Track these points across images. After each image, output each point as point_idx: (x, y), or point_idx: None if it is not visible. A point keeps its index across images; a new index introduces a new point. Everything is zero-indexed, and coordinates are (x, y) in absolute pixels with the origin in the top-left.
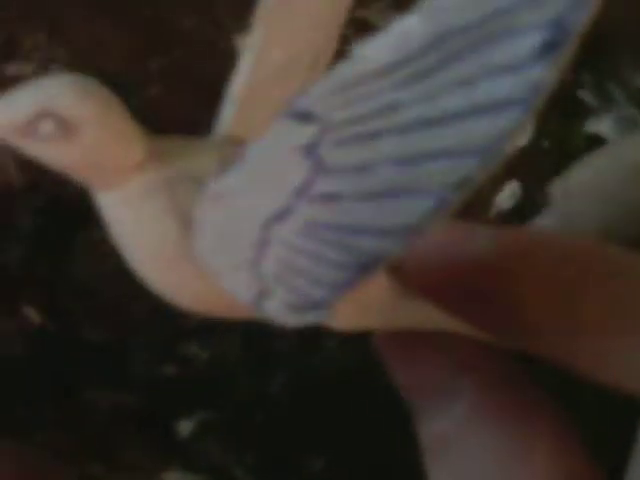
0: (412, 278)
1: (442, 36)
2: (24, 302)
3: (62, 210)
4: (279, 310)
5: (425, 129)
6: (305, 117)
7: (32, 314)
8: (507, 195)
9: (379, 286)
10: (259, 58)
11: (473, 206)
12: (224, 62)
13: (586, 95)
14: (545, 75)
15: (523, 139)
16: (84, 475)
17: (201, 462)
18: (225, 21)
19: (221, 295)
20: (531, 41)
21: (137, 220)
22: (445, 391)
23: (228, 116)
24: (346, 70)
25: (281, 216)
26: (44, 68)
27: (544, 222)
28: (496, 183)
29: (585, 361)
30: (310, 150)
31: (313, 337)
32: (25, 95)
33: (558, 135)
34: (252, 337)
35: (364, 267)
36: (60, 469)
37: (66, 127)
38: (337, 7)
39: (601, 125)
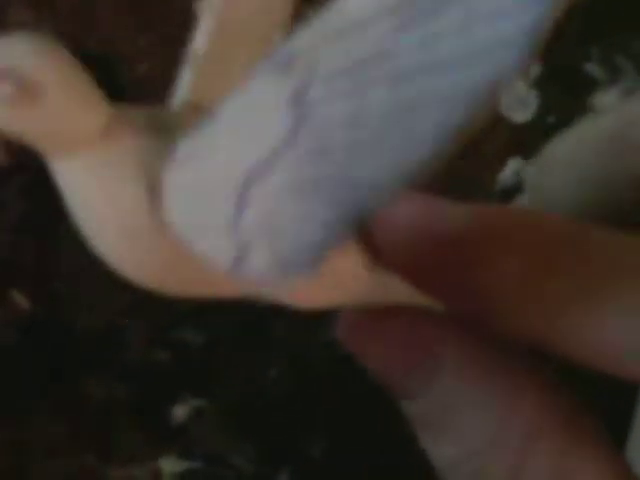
0: (383, 253)
1: None
2: (12, 288)
3: (49, 194)
4: (258, 271)
5: (416, 77)
6: (288, 68)
7: (21, 300)
8: (511, 171)
9: (349, 261)
10: (220, 17)
11: (476, 182)
12: None
13: (593, 69)
14: (541, 13)
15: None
16: (79, 465)
17: (197, 449)
18: None
19: (194, 268)
20: None
21: (100, 188)
22: (422, 368)
23: (186, 82)
24: (330, 20)
25: (263, 172)
26: None
27: (523, 200)
28: (500, 159)
29: (559, 341)
30: (294, 102)
31: (311, 321)
32: None
33: (563, 110)
34: (249, 321)
35: (349, 223)
36: None
37: (28, 89)
38: None
39: (607, 99)
